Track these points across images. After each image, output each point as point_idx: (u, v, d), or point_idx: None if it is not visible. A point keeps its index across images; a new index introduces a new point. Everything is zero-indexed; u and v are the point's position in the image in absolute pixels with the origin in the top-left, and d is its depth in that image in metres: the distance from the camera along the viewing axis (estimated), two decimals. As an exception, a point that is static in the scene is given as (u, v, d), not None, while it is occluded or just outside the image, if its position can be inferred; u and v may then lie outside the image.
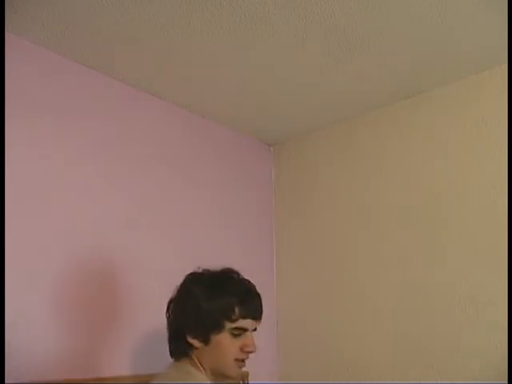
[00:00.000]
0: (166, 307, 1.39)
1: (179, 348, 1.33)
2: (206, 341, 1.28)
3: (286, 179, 2.59)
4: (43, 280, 1.65)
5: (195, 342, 1.29)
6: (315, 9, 1.63)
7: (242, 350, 1.30)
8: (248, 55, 1.89)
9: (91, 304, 1.76)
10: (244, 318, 1.30)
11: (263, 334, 2.43)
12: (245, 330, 1.30)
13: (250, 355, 1.33)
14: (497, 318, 1.79)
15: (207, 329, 1.28)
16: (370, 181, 2.26)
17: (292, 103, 2.25)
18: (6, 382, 1.18)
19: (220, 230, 2.29)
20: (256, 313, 1.34)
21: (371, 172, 2.27)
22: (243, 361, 1.32)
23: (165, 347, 1.37)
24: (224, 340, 1.28)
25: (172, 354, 1.35)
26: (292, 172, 2.57)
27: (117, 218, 1.90)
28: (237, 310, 1.29)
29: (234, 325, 1.28)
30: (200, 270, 1.40)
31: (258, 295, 1.37)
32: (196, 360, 1.30)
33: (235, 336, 1.29)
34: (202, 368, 1.30)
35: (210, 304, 1.28)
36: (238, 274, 1.40)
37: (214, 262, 2.18)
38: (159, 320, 1.93)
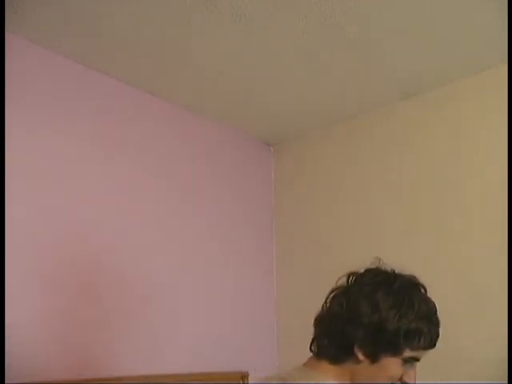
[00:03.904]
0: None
1: (337, 353, 1.13)
2: (374, 359, 1.09)
3: (286, 179, 2.59)
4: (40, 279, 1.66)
5: (360, 356, 1.09)
6: (315, 9, 1.63)
7: (401, 379, 1.11)
8: (248, 55, 1.89)
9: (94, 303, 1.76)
10: (425, 348, 1.11)
11: (263, 335, 2.44)
12: (417, 360, 1.12)
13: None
14: (497, 318, 1.79)
15: (382, 348, 1.08)
16: (369, 181, 2.26)
17: (292, 103, 2.25)
18: (5, 381, 1.18)
19: (219, 230, 2.28)
20: (434, 343, 1.12)
21: (371, 172, 2.27)
22: None
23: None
24: (393, 365, 1.09)
25: (324, 354, 1.15)
26: (292, 172, 2.57)
27: (117, 218, 1.90)
28: (422, 339, 1.09)
29: (412, 354, 1.09)
30: (385, 269, 1.18)
31: (439, 319, 1.15)
32: (347, 371, 1.12)
33: (404, 363, 1.10)
34: (346, 379, 1.12)
35: (397, 324, 1.08)
36: (424, 287, 1.19)
37: (212, 260, 2.20)
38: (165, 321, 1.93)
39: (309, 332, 1.17)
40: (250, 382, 2.07)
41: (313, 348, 1.17)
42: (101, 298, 1.79)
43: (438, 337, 1.12)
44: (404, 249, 2.10)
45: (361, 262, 2.32)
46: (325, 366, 1.13)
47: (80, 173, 1.82)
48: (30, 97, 1.74)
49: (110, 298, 1.82)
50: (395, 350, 1.08)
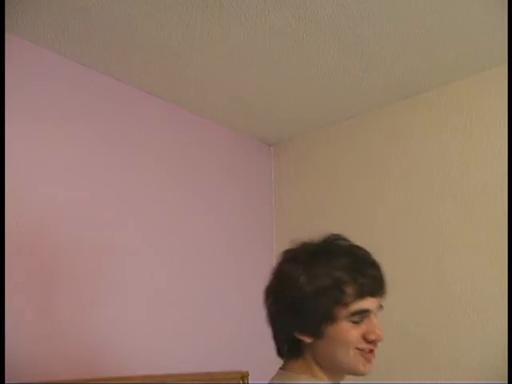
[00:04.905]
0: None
1: (288, 347, 1.08)
2: (317, 335, 1.01)
3: (286, 179, 2.59)
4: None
5: (305, 338, 1.03)
6: (315, 9, 1.63)
7: (364, 338, 1.01)
8: (248, 55, 1.89)
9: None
10: (361, 297, 1.01)
11: (263, 335, 2.44)
12: (365, 311, 1.01)
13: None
14: (497, 318, 1.79)
15: (317, 321, 1.01)
16: (369, 181, 2.26)
17: (292, 103, 2.25)
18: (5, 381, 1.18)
19: (219, 230, 2.28)
20: (376, 287, 1.03)
21: (371, 172, 2.27)
22: (370, 352, 1.03)
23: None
24: (340, 331, 1.00)
25: (280, 354, 1.10)
26: (292, 172, 2.57)
27: (117, 218, 1.91)
28: (349, 289, 1.00)
29: (349, 310, 1.00)
30: (296, 245, 1.11)
31: (374, 263, 1.07)
32: (311, 359, 1.05)
33: (355, 323, 1.01)
34: (317, 369, 1.05)
35: (314, 288, 1.01)
36: (344, 239, 1.13)
37: (213, 261, 2.20)
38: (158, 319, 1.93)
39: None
40: (249, 382, 2.07)
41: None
42: (101, 299, 1.79)
43: (376, 280, 1.04)
44: (404, 249, 2.10)
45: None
46: (293, 364, 1.07)
47: (79, 173, 1.82)
48: (30, 97, 1.74)
49: (110, 298, 1.82)
50: (328, 316, 1.00)
